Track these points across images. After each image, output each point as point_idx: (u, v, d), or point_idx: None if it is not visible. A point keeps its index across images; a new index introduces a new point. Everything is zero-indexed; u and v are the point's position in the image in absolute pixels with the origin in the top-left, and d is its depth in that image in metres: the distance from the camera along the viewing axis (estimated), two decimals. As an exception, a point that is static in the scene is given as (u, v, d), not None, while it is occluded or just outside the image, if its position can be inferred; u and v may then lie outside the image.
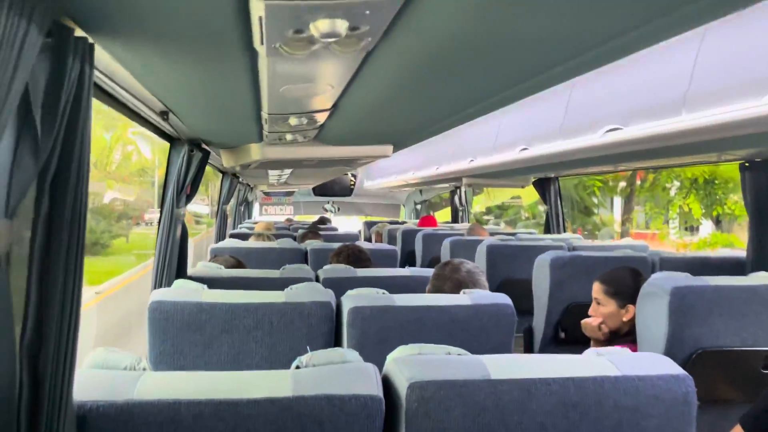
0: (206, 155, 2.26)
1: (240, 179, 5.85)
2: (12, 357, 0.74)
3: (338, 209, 9.61)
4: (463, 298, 1.70)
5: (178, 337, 1.58)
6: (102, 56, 1.05)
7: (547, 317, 2.63)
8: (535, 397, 0.95)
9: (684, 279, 1.89)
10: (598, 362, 1.03)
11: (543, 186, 4.71)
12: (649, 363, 1.04)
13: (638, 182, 13.01)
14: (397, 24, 0.90)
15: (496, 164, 3.55)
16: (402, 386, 0.95)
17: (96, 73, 1.20)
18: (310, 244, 3.35)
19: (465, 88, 1.41)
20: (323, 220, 7.03)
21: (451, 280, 1.87)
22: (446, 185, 6.41)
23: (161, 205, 2.19)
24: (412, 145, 2.38)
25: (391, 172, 6.53)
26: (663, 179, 11.00)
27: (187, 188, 2.18)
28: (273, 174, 4.67)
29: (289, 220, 8.74)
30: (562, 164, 3.42)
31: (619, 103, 2.35)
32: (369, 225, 7.25)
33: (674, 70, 2.05)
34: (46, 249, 0.77)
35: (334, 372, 0.97)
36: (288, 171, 4.31)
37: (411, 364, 1.00)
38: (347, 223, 9.98)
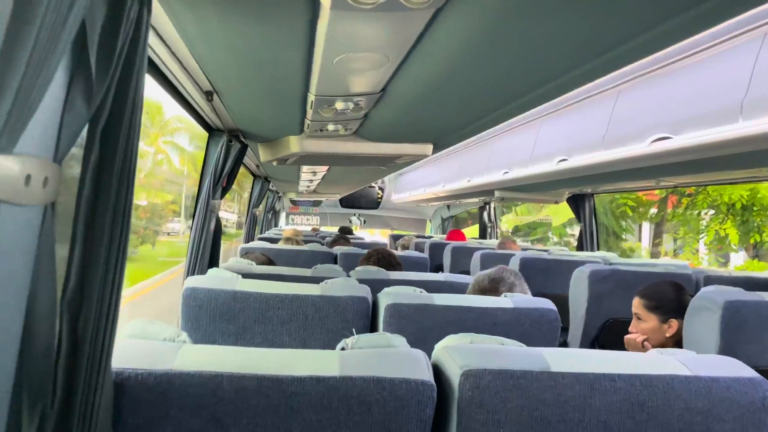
0: (244, 148, 2.23)
1: (270, 185, 5.84)
2: (53, 313, 0.70)
3: (364, 222, 9.58)
4: (505, 300, 1.63)
5: (211, 326, 1.54)
6: (157, 14, 1.02)
7: (584, 332, 2.54)
8: (598, 392, 0.88)
9: (737, 293, 1.80)
10: (667, 361, 0.95)
11: (577, 203, 4.59)
12: (722, 364, 0.96)
13: (670, 209, 12.74)
14: None
15: (532, 176, 3.48)
16: (455, 374, 0.88)
17: (150, 36, 1.17)
18: (340, 249, 3.30)
19: (510, 78, 1.36)
20: (346, 230, 6.92)
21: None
22: (475, 200, 6.32)
23: (197, 196, 2.17)
24: (452, 145, 2.33)
25: (421, 185, 6.46)
26: (699, 204, 10.70)
27: (224, 180, 2.15)
28: (304, 179, 4.64)
29: (315, 228, 8.74)
30: (601, 177, 3.33)
31: (668, 111, 2.28)
32: (395, 238, 7.18)
33: (730, 77, 1.98)
34: (93, 202, 0.73)
35: (383, 355, 0.91)
36: (319, 176, 4.27)
37: (464, 351, 0.94)
38: (371, 239, 9.97)
